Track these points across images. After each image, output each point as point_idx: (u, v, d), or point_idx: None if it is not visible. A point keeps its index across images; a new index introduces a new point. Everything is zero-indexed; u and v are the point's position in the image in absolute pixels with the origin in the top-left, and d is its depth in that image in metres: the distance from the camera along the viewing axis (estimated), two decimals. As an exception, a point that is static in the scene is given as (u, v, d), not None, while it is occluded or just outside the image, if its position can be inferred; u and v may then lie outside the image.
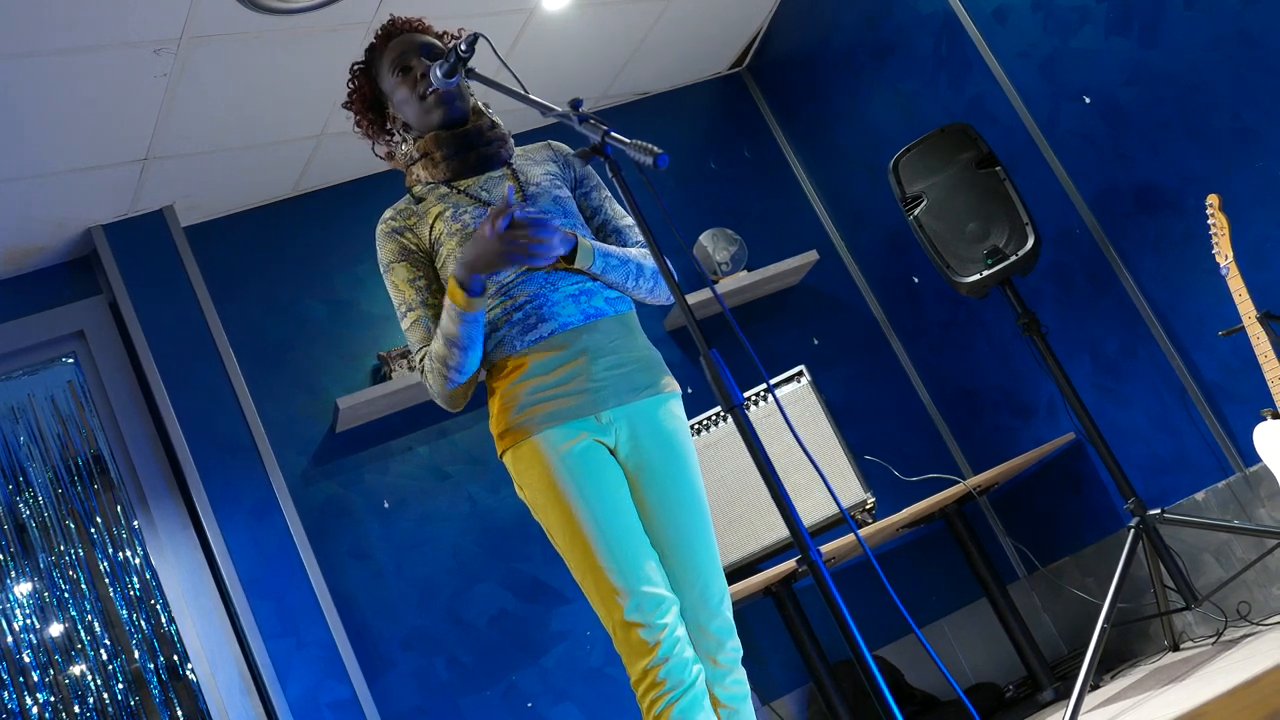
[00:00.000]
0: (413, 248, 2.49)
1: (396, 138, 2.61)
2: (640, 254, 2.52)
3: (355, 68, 2.63)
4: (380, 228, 2.53)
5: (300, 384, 4.18)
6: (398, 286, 2.49)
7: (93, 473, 4.10)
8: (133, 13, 3.25)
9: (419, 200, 2.54)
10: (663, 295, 2.55)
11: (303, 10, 3.51)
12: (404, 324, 2.49)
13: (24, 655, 3.86)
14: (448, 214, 2.48)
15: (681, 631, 2.30)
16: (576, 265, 2.40)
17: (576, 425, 2.37)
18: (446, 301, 2.36)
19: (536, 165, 2.58)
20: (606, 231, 2.58)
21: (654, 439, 2.42)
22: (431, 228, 2.49)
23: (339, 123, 3.95)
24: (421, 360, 2.45)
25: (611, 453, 2.41)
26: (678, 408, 2.50)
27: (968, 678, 4.37)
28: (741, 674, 2.40)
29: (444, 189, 2.52)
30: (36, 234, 3.95)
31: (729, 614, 2.41)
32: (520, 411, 2.38)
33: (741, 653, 2.41)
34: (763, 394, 4.06)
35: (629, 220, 2.60)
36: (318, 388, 4.18)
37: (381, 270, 2.53)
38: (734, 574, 3.85)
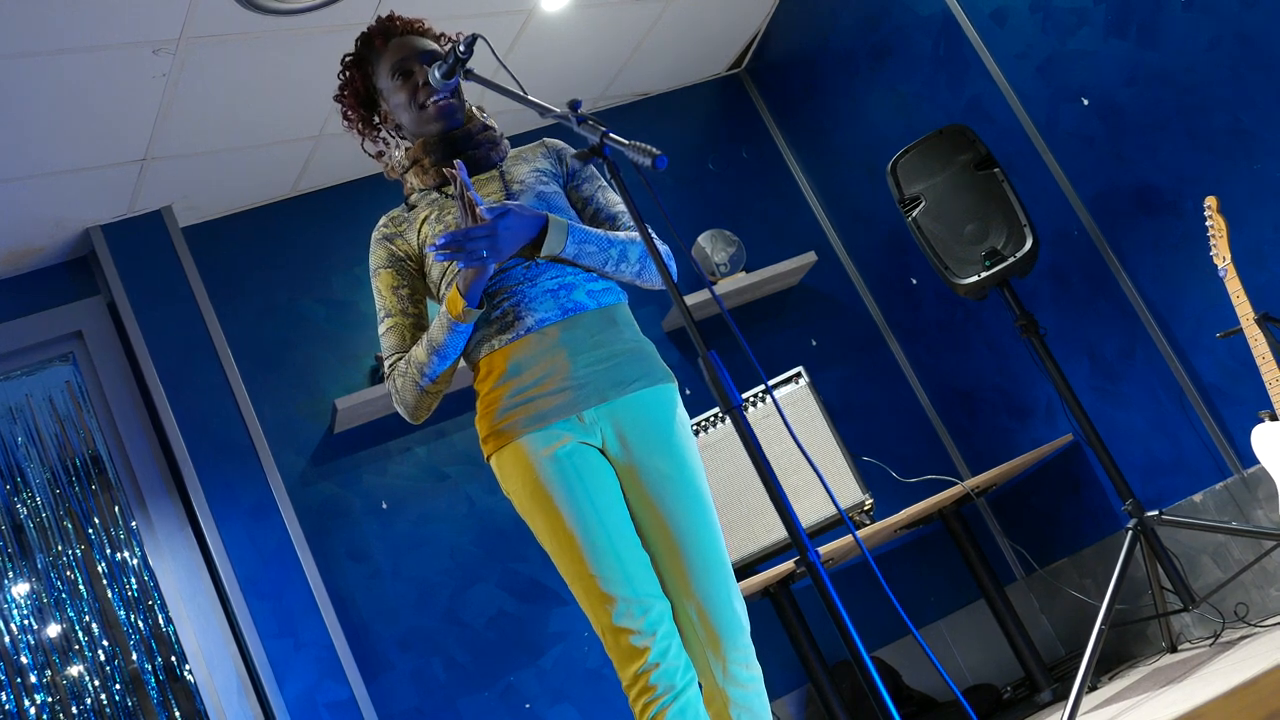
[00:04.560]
0: (401, 255, 2.50)
1: (384, 134, 2.62)
2: (630, 236, 2.47)
3: (347, 59, 2.62)
4: (374, 234, 2.55)
5: (298, 384, 4.18)
6: (381, 292, 2.51)
7: (90, 473, 4.10)
8: (132, 13, 3.25)
9: (412, 208, 2.55)
10: (652, 278, 2.48)
11: (302, 11, 3.51)
12: (380, 328, 2.50)
13: (21, 656, 3.86)
14: (433, 216, 2.49)
15: (673, 635, 2.27)
16: (545, 252, 2.35)
17: (559, 427, 2.34)
18: (441, 309, 2.36)
19: (525, 164, 2.56)
20: (600, 219, 2.55)
21: (643, 434, 2.37)
22: (419, 232, 2.50)
23: (337, 123, 3.93)
24: (393, 366, 2.46)
25: (601, 453, 2.38)
26: (671, 398, 2.44)
27: (966, 679, 4.37)
28: (755, 671, 2.34)
29: (434, 194, 2.53)
30: (35, 234, 3.95)
31: (740, 609, 2.34)
32: (501, 416, 2.37)
33: (753, 650, 2.34)
34: (761, 395, 4.06)
35: (622, 206, 2.55)
36: (316, 388, 4.18)
37: (370, 274, 2.54)
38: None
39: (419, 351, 2.40)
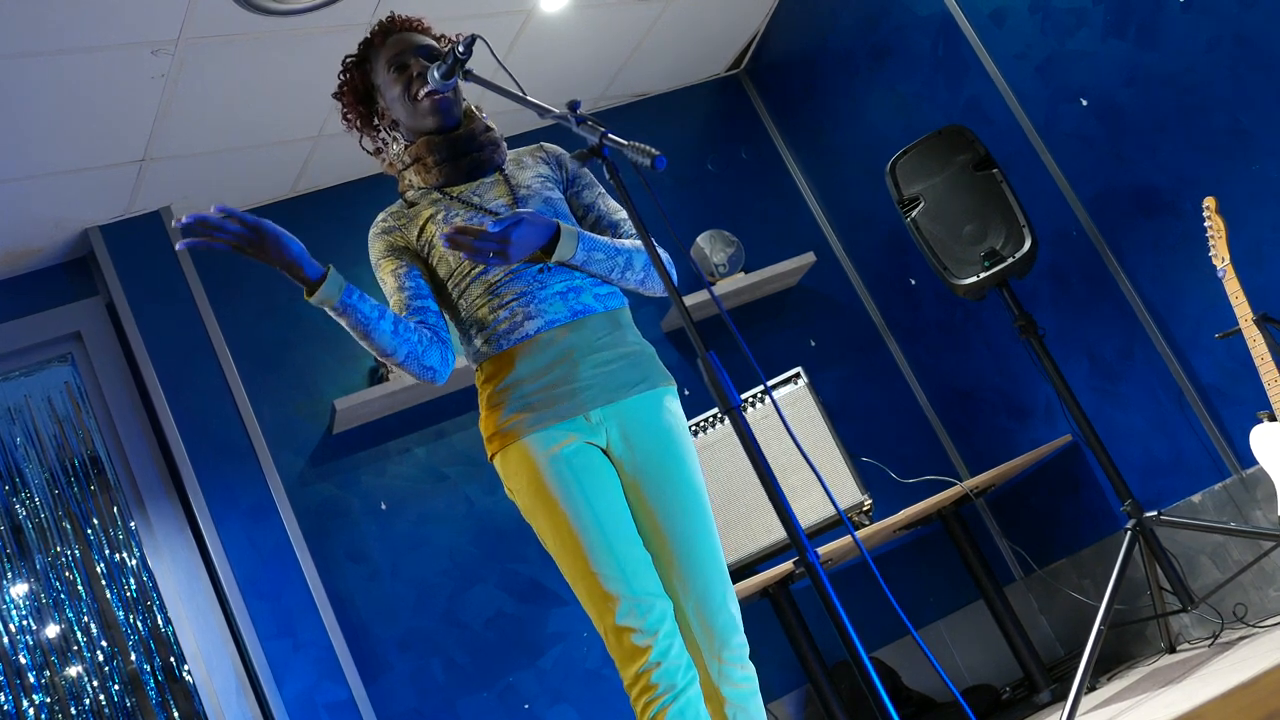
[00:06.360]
0: (402, 245, 2.51)
1: (383, 134, 2.62)
2: (634, 245, 2.50)
3: (348, 60, 2.63)
4: (372, 229, 2.56)
5: (297, 385, 4.18)
6: (385, 281, 2.51)
7: (89, 474, 4.10)
8: (131, 13, 3.25)
9: (410, 205, 2.55)
10: (655, 286, 2.50)
11: (301, 11, 3.51)
12: None
13: (20, 656, 3.86)
14: (439, 217, 2.49)
15: (675, 635, 2.29)
16: (556, 258, 2.37)
17: (564, 427, 2.36)
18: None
19: (528, 169, 2.58)
20: (601, 227, 2.57)
21: (646, 436, 2.40)
22: (422, 230, 2.50)
23: (336, 124, 3.93)
24: None
25: (605, 453, 2.40)
26: (672, 402, 2.47)
27: (964, 679, 4.37)
28: (749, 670, 2.37)
29: (436, 194, 2.53)
30: (34, 234, 3.95)
31: (734, 610, 2.38)
32: (507, 415, 2.38)
33: (748, 649, 2.38)
34: (760, 396, 4.06)
35: (623, 214, 2.58)
36: (315, 389, 4.18)
37: (373, 267, 2.54)
38: (731, 576, 3.83)
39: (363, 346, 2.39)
